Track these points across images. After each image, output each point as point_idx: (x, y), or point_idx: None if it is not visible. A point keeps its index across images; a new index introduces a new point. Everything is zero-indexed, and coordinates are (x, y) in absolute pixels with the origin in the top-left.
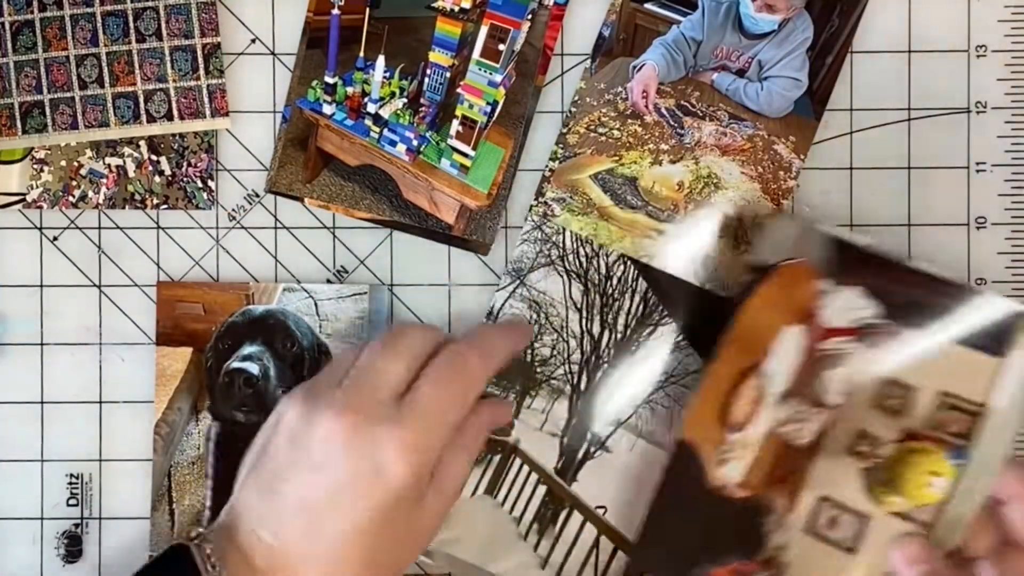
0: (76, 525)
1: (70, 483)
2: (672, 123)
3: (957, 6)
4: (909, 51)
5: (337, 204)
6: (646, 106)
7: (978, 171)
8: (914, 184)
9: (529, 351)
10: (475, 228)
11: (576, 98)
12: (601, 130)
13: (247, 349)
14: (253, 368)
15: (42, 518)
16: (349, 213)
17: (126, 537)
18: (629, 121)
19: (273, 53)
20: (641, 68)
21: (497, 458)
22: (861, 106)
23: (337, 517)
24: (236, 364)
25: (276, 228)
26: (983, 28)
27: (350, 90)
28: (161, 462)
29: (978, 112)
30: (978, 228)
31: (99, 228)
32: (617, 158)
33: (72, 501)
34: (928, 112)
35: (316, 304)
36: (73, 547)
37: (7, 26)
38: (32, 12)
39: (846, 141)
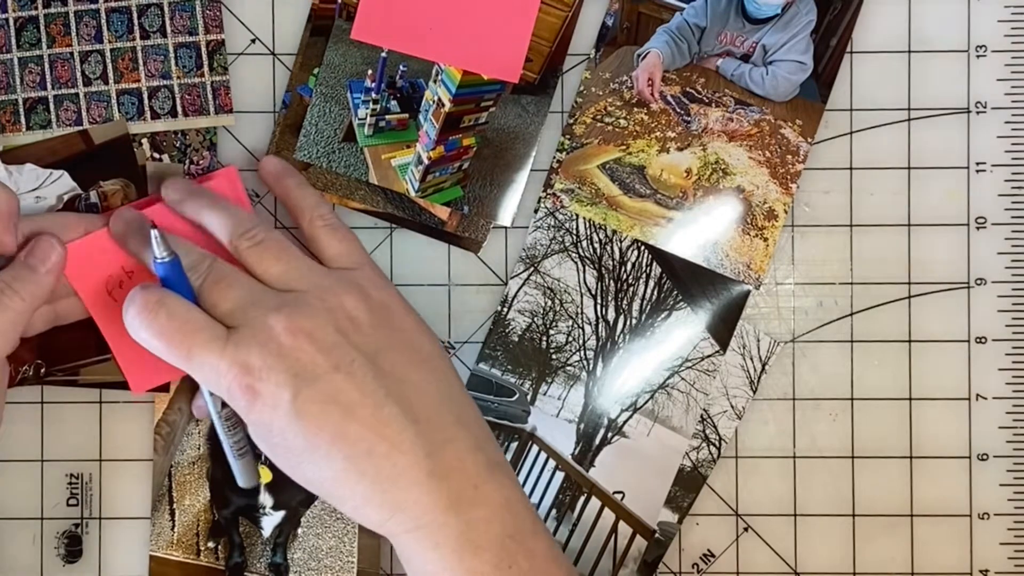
0: (76, 525)
1: (70, 483)
2: (678, 110)
3: (957, 6)
4: (909, 51)
5: (331, 193)
6: (652, 94)
7: (978, 171)
8: (914, 184)
9: (544, 338)
10: (467, 226)
11: (581, 88)
12: (607, 119)
13: None
14: None
15: (42, 518)
16: (343, 203)
17: (126, 537)
18: (635, 110)
19: (273, 53)
20: (645, 56)
21: (514, 445)
22: (861, 106)
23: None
24: None
25: (276, 228)
26: (983, 28)
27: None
28: (161, 462)
29: (978, 112)
30: (978, 228)
31: None
32: (624, 147)
33: (72, 501)
34: (928, 112)
35: None
36: (73, 547)
37: (11, 22)
38: (36, 8)
39: (846, 141)
